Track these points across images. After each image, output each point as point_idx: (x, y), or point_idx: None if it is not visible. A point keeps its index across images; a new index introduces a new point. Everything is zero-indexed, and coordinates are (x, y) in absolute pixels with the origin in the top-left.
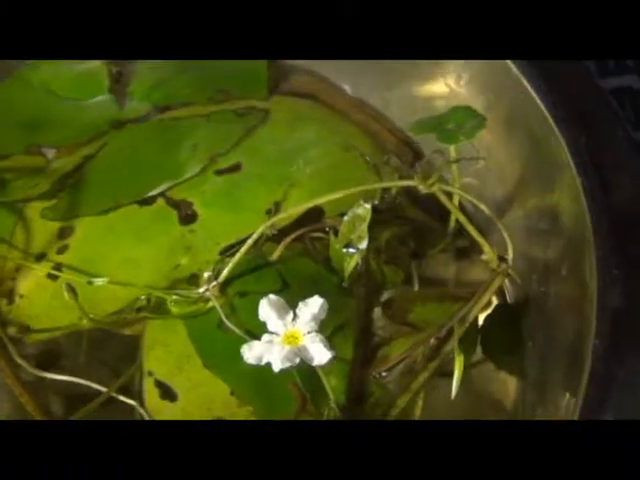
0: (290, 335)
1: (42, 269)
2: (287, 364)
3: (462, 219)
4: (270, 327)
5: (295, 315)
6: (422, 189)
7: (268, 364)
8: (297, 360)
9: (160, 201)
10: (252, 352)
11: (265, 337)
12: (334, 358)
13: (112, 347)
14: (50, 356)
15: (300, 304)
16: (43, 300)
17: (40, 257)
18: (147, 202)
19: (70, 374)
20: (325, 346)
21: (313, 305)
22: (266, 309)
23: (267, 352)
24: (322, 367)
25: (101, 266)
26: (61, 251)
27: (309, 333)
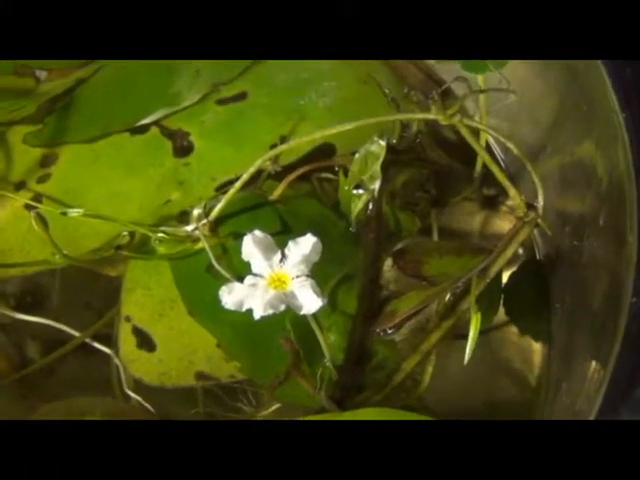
0: (276, 278)
1: (20, 199)
2: (270, 310)
3: (487, 159)
4: (254, 268)
5: (283, 256)
6: (441, 120)
7: (250, 311)
8: (282, 307)
9: (154, 130)
10: (232, 296)
11: (248, 279)
12: (325, 306)
13: (96, 289)
14: (30, 296)
15: (290, 243)
16: (18, 233)
17: (19, 186)
18: (139, 131)
19: (50, 317)
20: (315, 292)
21: (304, 245)
22: (250, 247)
23: (249, 297)
24: (317, 319)
25: (84, 198)
26: (42, 180)
27: (298, 277)
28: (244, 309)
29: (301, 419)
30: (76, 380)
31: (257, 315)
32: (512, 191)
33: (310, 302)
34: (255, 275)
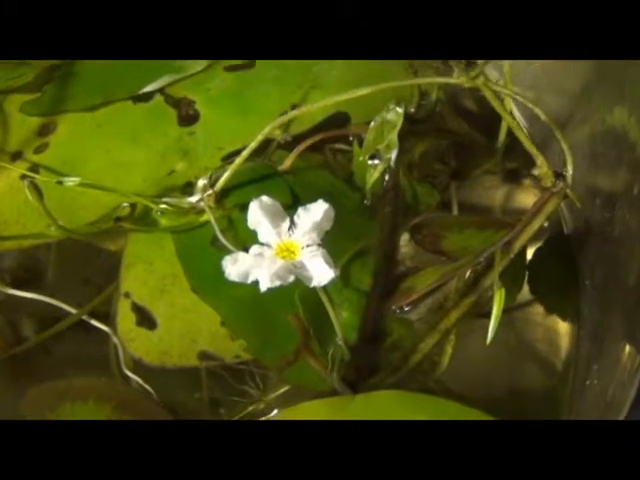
0: (285, 248)
1: (16, 169)
2: (277, 282)
3: (512, 123)
4: (261, 237)
5: (293, 223)
6: (464, 83)
7: (256, 284)
8: (291, 278)
9: (158, 98)
10: (236, 266)
11: (254, 249)
12: (337, 278)
13: (95, 265)
14: (26, 272)
15: (299, 210)
16: (14, 205)
17: (15, 156)
18: (143, 98)
19: (46, 293)
20: (327, 262)
21: (315, 211)
22: (257, 214)
23: (255, 267)
24: (328, 295)
25: (83, 169)
26: (39, 150)
27: (308, 246)
28: (249, 281)
29: (304, 419)
30: (72, 360)
31: (263, 287)
32: (540, 159)
33: (321, 273)
34: (262, 244)
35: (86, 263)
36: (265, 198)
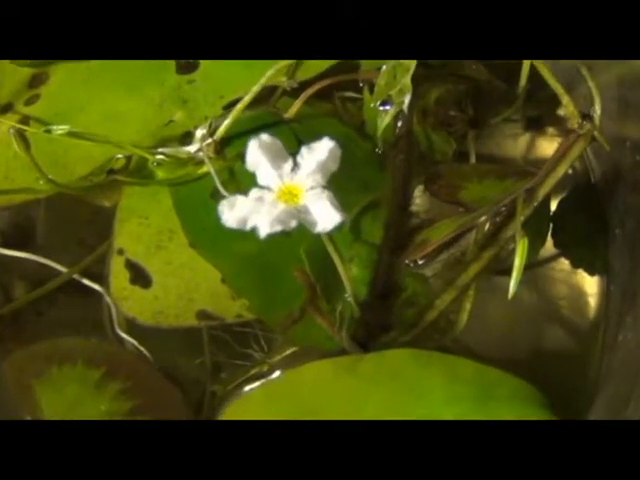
0: (287, 191)
1: (5, 122)
2: (278, 227)
3: (535, 61)
4: (261, 179)
5: (295, 164)
6: None
7: (257, 237)
8: (293, 223)
9: None
10: (234, 211)
11: (253, 192)
12: (345, 222)
13: (89, 222)
14: (17, 231)
15: (302, 149)
16: (2, 159)
17: (5, 109)
18: None
19: (39, 253)
20: (333, 205)
21: (320, 151)
22: (256, 154)
23: (254, 212)
24: (337, 248)
25: (76, 121)
26: (30, 102)
27: (312, 189)
28: (248, 227)
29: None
30: (64, 322)
31: (263, 232)
32: (565, 98)
33: (326, 217)
34: (262, 187)
35: (80, 221)
36: (265, 136)
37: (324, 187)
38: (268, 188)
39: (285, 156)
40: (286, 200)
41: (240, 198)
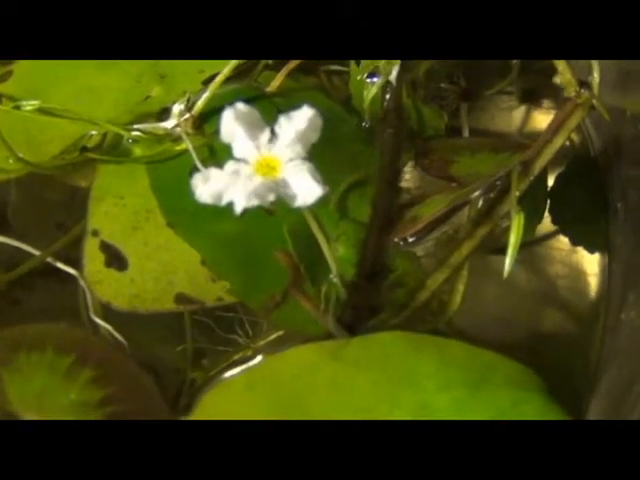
0: (265, 163)
1: None
2: (255, 201)
3: None
4: (236, 151)
5: (273, 134)
6: None
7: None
8: (271, 197)
9: None
10: (209, 185)
11: (229, 165)
12: (325, 196)
13: (65, 204)
14: None
15: (281, 118)
16: None
17: None
18: None
19: (13, 236)
20: (314, 177)
21: (299, 119)
22: (231, 124)
23: (230, 186)
24: (322, 227)
25: (49, 97)
26: (2, 79)
27: (291, 160)
28: (224, 202)
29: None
30: (39, 306)
31: (239, 207)
32: (561, 64)
33: (306, 190)
34: (238, 160)
35: (55, 202)
36: (240, 105)
37: (304, 159)
38: (245, 160)
39: (262, 126)
40: (264, 173)
41: (214, 171)
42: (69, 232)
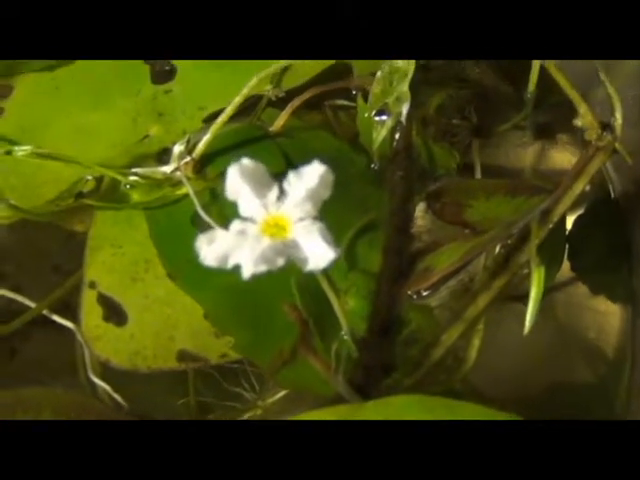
0: (273, 223)
1: None
2: (263, 266)
3: (548, 64)
4: (243, 210)
5: (282, 192)
6: None
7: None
8: (280, 261)
9: None
10: (214, 247)
11: (235, 225)
12: (339, 259)
13: (63, 250)
14: None
15: (290, 175)
16: None
17: None
18: None
19: (8, 285)
20: (325, 239)
21: (309, 176)
22: (237, 181)
23: (236, 248)
24: (330, 279)
25: (43, 137)
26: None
27: (302, 220)
28: (230, 265)
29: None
30: (34, 363)
31: (246, 272)
32: (583, 106)
33: (318, 253)
34: (244, 219)
35: (51, 246)
36: (246, 161)
37: (315, 218)
38: (252, 220)
39: (270, 183)
40: (272, 234)
41: (220, 232)
42: (67, 279)
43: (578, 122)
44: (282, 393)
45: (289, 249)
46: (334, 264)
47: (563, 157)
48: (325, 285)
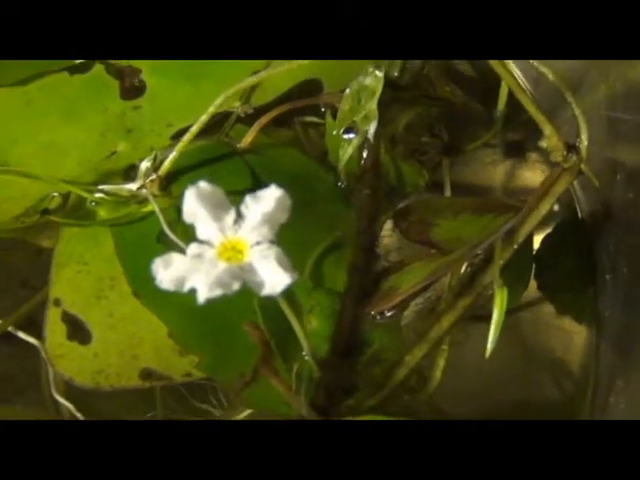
0: (230, 246)
1: None
2: (218, 290)
3: (514, 85)
4: (199, 233)
5: (239, 215)
6: None
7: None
8: (236, 285)
9: (97, 67)
10: (170, 271)
11: (192, 248)
12: (295, 283)
13: (31, 266)
14: None
15: (247, 198)
16: None
17: None
18: (80, 69)
19: None
20: (282, 264)
21: (266, 200)
22: (193, 204)
23: (192, 271)
24: (294, 298)
25: (10, 153)
26: None
27: (258, 244)
28: (186, 289)
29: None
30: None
31: (201, 297)
32: (548, 128)
33: (274, 278)
34: (201, 242)
35: (17, 261)
36: (203, 184)
37: (272, 242)
38: (208, 243)
39: (227, 206)
40: (228, 257)
41: (176, 255)
42: (34, 295)
43: (544, 144)
44: (247, 412)
45: (245, 273)
46: (297, 284)
47: (533, 175)
48: (285, 307)
